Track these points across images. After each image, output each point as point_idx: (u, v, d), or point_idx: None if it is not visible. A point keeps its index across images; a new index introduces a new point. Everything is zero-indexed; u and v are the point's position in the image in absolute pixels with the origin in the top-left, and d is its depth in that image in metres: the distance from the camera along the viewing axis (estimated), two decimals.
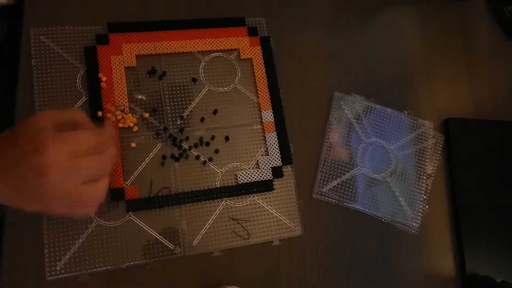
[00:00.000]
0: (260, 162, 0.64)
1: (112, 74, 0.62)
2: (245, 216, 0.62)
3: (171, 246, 0.58)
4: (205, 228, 0.60)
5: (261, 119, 0.66)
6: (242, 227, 0.61)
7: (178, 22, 0.67)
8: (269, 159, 0.65)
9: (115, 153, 0.50)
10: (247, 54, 0.68)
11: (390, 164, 0.69)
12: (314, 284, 0.62)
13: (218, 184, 0.62)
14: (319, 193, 0.66)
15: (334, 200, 0.66)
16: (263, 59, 0.69)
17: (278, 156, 0.65)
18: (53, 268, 0.54)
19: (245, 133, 0.65)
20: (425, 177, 0.70)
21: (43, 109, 0.59)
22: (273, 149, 0.65)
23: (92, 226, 0.57)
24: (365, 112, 0.71)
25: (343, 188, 0.67)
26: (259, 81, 0.67)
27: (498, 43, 0.82)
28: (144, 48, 0.64)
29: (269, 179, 0.64)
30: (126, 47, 0.63)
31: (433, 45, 0.78)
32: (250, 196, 0.63)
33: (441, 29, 0.79)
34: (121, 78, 0.62)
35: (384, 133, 0.71)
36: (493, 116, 0.76)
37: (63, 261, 0.54)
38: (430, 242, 0.68)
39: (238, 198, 0.62)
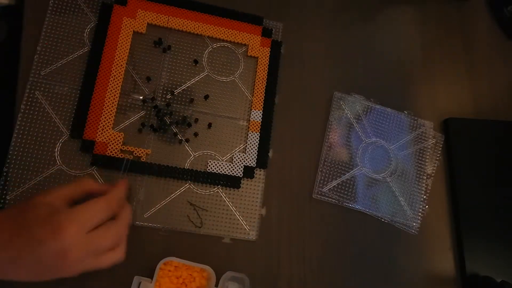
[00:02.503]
0: (234, 158, 0.65)
1: (119, 34, 0.65)
2: (204, 205, 0.63)
3: None
4: (161, 204, 0.61)
5: (249, 117, 0.68)
6: (198, 214, 0.62)
7: (198, 4, 0.69)
8: (245, 157, 0.66)
9: (130, 213, 0.52)
10: (255, 52, 0.70)
11: (390, 164, 0.71)
12: (314, 284, 0.64)
13: (187, 166, 0.63)
14: (319, 193, 0.67)
15: (334, 200, 0.67)
16: (268, 61, 0.70)
17: (255, 157, 0.66)
18: (3, 197, 0.56)
19: (229, 126, 0.67)
20: (425, 177, 0.71)
21: (45, 47, 0.62)
22: (252, 149, 0.66)
23: (53, 169, 0.59)
24: (365, 112, 0.72)
25: (343, 188, 0.68)
26: (259, 81, 0.69)
27: (498, 43, 0.83)
28: (157, 19, 0.67)
29: (238, 176, 0.65)
30: (140, 13, 0.67)
31: (433, 45, 0.80)
32: (215, 187, 0.64)
33: (441, 29, 0.81)
34: (127, 40, 0.65)
35: (384, 133, 0.72)
36: (493, 116, 0.77)
37: (15, 192, 0.57)
38: (430, 242, 0.69)
39: (202, 186, 0.63)
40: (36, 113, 0.60)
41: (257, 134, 0.67)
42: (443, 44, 0.80)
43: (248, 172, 0.65)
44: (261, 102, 0.69)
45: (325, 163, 0.68)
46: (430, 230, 0.70)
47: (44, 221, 0.43)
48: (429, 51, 0.79)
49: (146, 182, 0.62)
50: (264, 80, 0.69)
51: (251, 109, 0.68)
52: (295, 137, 0.69)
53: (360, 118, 0.72)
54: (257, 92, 0.69)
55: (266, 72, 0.70)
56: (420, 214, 0.70)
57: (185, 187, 0.63)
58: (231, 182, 0.64)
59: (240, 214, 0.64)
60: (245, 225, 0.64)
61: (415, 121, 0.74)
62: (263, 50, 0.71)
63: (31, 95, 0.61)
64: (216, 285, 0.58)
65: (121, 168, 0.61)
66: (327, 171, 0.68)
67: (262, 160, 0.66)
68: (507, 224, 0.72)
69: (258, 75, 0.69)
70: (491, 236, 0.71)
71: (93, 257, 0.46)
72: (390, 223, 0.69)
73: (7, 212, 0.45)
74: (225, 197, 0.64)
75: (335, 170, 0.69)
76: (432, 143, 0.74)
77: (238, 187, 0.65)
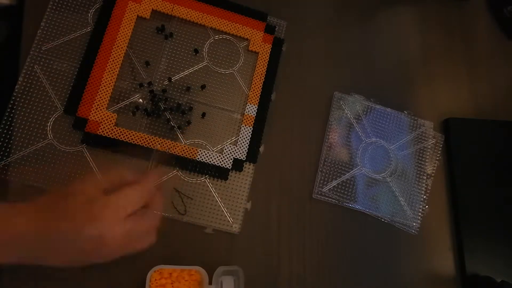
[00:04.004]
0: (225, 150, 0.68)
1: (123, 17, 0.68)
2: (190, 194, 0.65)
3: None
4: None
5: (244, 110, 0.70)
6: (182, 202, 0.64)
7: None
8: (235, 150, 0.68)
9: (161, 201, 0.54)
10: (256, 47, 0.73)
11: (390, 164, 0.73)
12: (314, 284, 0.65)
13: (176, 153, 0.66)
14: (319, 193, 0.69)
15: (334, 200, 0.69)
16: (269, 58, 0.74)
17: (245, 151, 0.69)
18: None
19: (223, 118, 0.70)
20: (425, 177, 0.74)
21: (49, 22, 0.66)
22: (243, 143, 0.69)
23: (44, 142, 0.61)
24: (365, 112, 0.75)
25: (343, 188, 0.70)
26: (257, 76, 0.72)
27: (498, 43, 0.87)
28: (162, 6, 0.71)
29: (226, 168, 0.67)
30: None
31: (433, 45, 0.84)
32: (202, 177, 0.66)
33: (441, 29, 0.85)
34: (130, 24, 0.68)
35: (384, 133, 0.75)
36: (493, 116, 0.81)
37: (3, 162, 0.59)
38: (430, 242, 0.71)
39: (190, 174, 0.65)
40: (33, 86, 0.63)
41: (250, 128, 0.70)
42: (443, 44, 0.85)
43: (238, 165, 0.68)
44: (258, 97, 0.72)
45: (325, 163, 0.71)
46: (430, 230, 0.72)
47: (82, 208, 0.47)
48: (429, 51, 0.83)
49: (134, 164, 0.64)
50: (263, 76, 0.73)
51: (246, 103, 0.71)
52: (295, 136, 0.72)
53: (360, 118, 0.75)
54: (255, 86, 0.72)
55: (265, 68, 0.73)
56: (420, 214, 0.72)
57: (173, 173, 0.65)
58: (219, 173, 0.66)
59: (225, 206, 0.66)
60: (229, 217, 0.65)
61: (415, 121, 0.77)
62: (264, 46, 0.74)
63: (30, 68, 0.63)
64: (210, 283, 0.59)
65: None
66: (327, 171, 0.71)
67: (252, 154, 0.69)
68: (507, 224, 0.74)
69: (257, 70, 0.73)
70: (491, 236, 0.73)
71: (129, 243, 0.49)
72: (390, 223, 0.71)
73: (48, 198, 0.49)
74: (211, 188, 0.66)
75: (335, 170, 0.71)
76: (432, 143, 0.77)
77: (226, 178, 0.67)
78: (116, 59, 0.66)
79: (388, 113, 0.76)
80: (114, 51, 0.67)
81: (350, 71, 0.78)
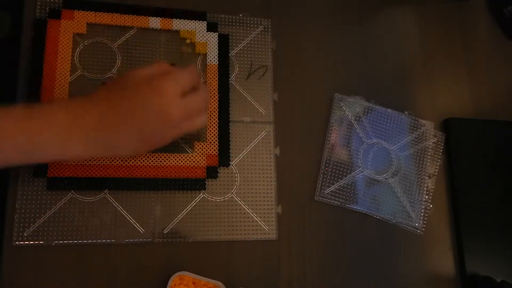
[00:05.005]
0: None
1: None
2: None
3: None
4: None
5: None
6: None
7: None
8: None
9: (205, 86, 0.59)
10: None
11: (391, 165, 0.74)
12: (314, 284, 0.68)
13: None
14: (321, 195, 0.71)
15: (336, 202, 0.71)
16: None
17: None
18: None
19: None
20: (426, 177, 0.75)
21: None
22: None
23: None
24: (365, 113, 0.76)
25: (345, 190, 0.72)
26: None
27: (498, 43, 0.87)
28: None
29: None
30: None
31: (433, 45, 0.83)
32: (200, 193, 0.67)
33: (441, 29, 0.85)
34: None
35: (385, 134, 0.76)
36: (493, 116, 0.81)
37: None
38: (430, 242, 0.73)
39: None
40: None
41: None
42: (443, 44, 0.84)
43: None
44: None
45: (327, 165, 0.72)
46: (430, 230, 0.74)
47: (146, 84, 0.52)
48: (429, 51, 0.83)
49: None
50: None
51: None
52: (296, 139, 0.73)
53: (361, 119, 0.76)
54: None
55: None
56: (422, 214, 0.74)
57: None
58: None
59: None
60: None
61: (416, 122, 0.78)
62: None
63: None
64: None
65: None
66: (329, 173, 0.72)
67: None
68: (507, 224, 0.76)
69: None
70: (491, 236, 0.75)
71: (186, 120, 0.55)
72: (393, 224, 0.73)
73: (110, 83, 0.56)
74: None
75: (337, 172, 0.73)
76: (433, 142, 0.78)
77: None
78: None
79: (388, 114, 0.77)
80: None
81: (350, 72, 0.79)
